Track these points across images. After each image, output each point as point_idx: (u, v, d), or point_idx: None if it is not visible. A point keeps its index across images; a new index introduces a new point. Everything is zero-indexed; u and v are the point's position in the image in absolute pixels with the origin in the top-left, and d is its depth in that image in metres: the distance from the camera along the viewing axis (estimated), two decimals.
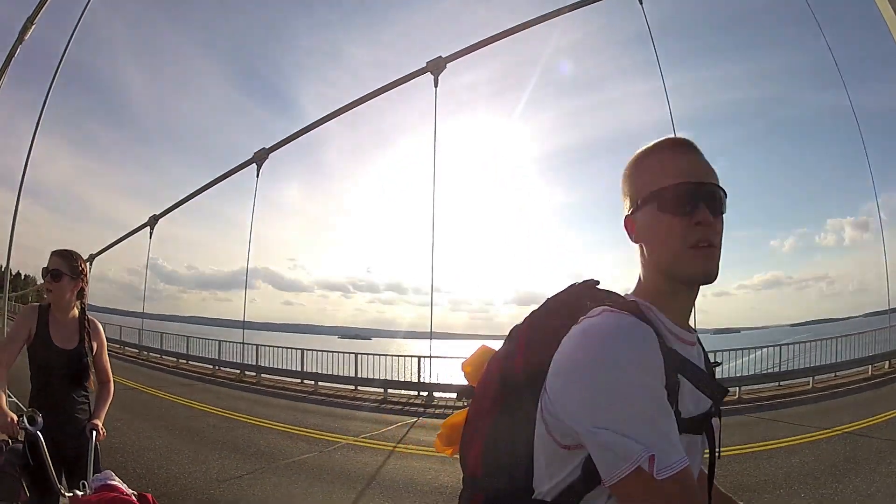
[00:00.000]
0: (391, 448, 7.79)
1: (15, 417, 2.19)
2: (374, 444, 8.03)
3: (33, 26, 10.14)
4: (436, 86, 10.46)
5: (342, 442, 7.91)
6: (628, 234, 1.02)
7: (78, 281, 2.54)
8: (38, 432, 2.20)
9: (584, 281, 1.07)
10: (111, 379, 2.75)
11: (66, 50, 4.89)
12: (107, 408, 2.65)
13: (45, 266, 2.48)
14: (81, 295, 2.61)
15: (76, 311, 2.59)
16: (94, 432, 2.46)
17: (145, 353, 21.96)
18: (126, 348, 23.37)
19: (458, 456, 1.14)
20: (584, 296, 1.02)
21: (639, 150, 1.02)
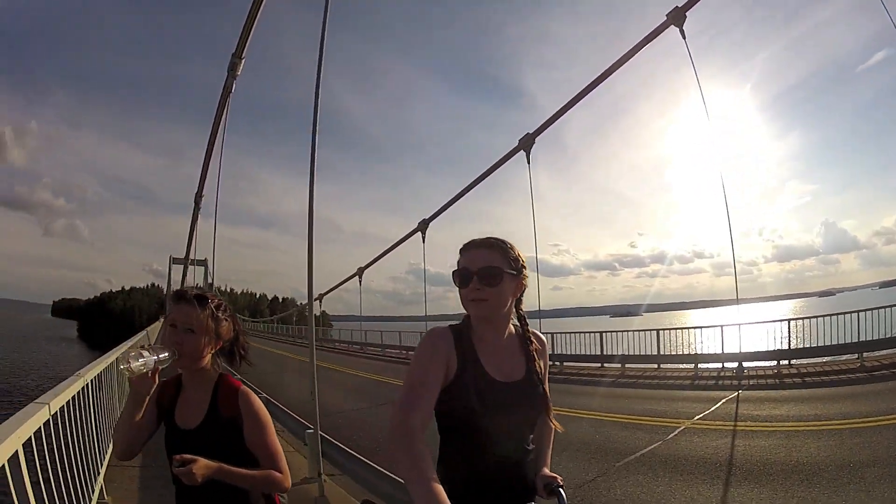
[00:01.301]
0: (731, 427, 7.26)
1: None
2: (711, 424, 7.54)
3: (242, 62, 10.24)
4: (684, 38, 9.41)
5: (681, 426, 7.48)
6: None
7: (519, 279, 1.64)
8: None
9: None
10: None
11: (317, 88, 4.69)
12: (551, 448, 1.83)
13: (463, 266, 1.60)
14: (519, 301, 1.70)
15: (512, 327, 1.70)
16: (560, 488, 1.65)
17: None
18: (410, 353, 24.34)
19: None
20: None
21: None
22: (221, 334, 1.79)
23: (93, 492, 4.09)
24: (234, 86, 10.48)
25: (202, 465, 1.60)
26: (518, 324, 1.72)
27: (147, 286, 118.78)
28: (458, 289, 1.62)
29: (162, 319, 44.99)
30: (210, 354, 1.79)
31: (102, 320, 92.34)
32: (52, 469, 2.93)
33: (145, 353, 1.61)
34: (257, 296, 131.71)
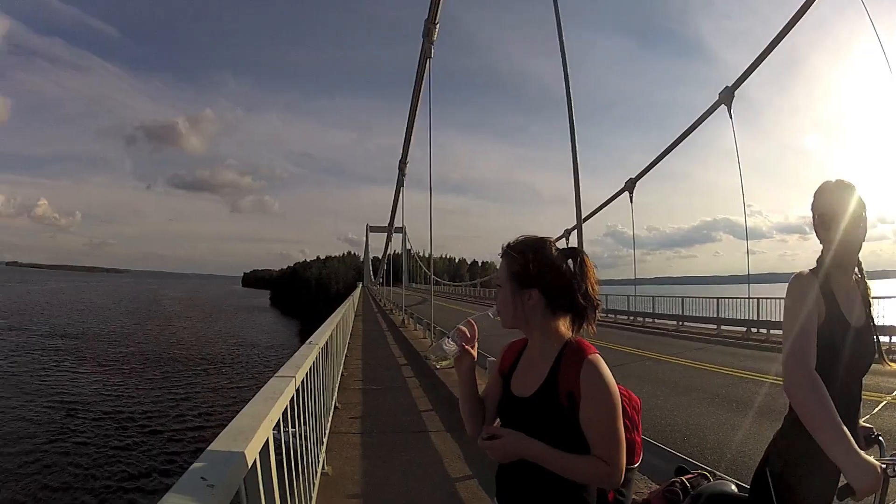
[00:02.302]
0: None
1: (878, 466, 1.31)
2: None
3: (437, 26, 10.25)
4: None
5: (883, 401, 7.28)
6: None
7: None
8: None
9: None
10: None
11: (566, 79, 5.43)
12: None
13: (826, 211, 1.59)
14: None
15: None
16: (879, 436, 1.66)
17: (639, 319, 21.94)
18: (617, 316, 23.24)
19: None
20: None
21: None
22: (549, 286, 1.40)
23: (318, 463, 3.78)
24: (432, 50, 10.96)
25: (513, 442, 1.36)
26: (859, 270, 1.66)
27: (343, 254, 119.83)
28: (819, 234, 1.64)
29: (360, 286, 47.67)
30: (540, 313, 1.41)
31: (296, 289, 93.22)
32: (291, 443, 2.61)
33: (446, 344, 1.48)
34: (456, 260, 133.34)
